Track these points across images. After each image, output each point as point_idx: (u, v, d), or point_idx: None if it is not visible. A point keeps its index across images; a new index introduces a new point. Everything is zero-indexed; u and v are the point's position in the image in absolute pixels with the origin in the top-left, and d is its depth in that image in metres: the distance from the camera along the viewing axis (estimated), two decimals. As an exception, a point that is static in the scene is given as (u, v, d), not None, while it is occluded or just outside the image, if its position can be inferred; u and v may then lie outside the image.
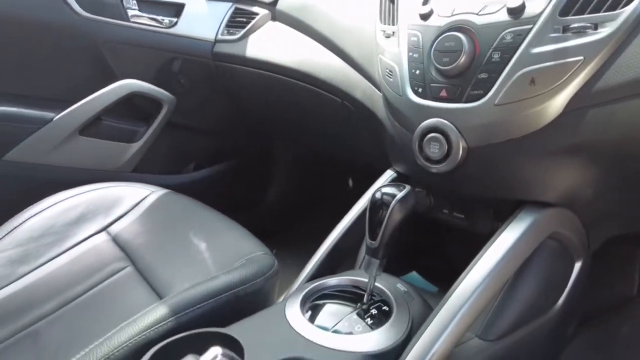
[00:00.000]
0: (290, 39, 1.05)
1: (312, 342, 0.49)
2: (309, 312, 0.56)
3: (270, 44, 1.09)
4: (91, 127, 1.09)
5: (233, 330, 0.50)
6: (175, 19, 1.17)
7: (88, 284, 0.71)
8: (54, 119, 1.04)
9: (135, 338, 0.53)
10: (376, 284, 0.59)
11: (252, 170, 1.42)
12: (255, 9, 1.17)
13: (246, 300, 0.61)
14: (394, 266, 0.76)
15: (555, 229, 0.61)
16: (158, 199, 0.88)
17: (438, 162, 0.62)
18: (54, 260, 0.76)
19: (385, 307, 0.57)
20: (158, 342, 0.48)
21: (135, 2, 1.14)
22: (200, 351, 0.40)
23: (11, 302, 0.69)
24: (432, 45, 0.61)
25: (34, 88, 1.09)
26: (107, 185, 0.91)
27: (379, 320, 0.55)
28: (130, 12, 1.13)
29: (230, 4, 1.21)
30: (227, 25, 1.18)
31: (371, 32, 0.78)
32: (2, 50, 1.05)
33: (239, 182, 1.39)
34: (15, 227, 0.81)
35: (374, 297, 0.59)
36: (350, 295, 0.60)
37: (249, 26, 1.14)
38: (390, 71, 0.69)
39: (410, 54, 0.66)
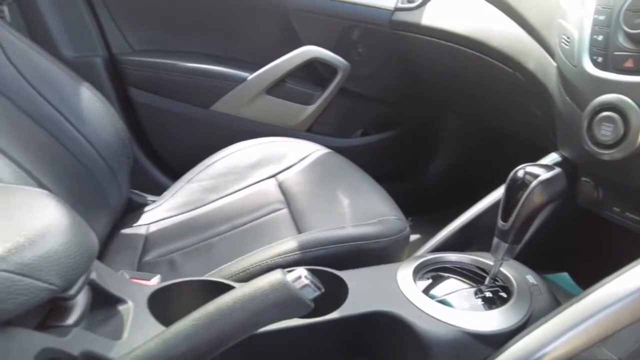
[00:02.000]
0: (467, 5, 1.00)
1: (412, 303, 0.49)
2: (423, 281, 0.56)
3: (447, 11, 1.05)
4: (276, 87, 1.24)
5: (345, 274, 0.54)
6: (358, -11, 1.22)
7: (253, 216, 0.86)
8: (248, 79, 1.22)
9: (267, 261, 0.63)
10: (501, 269, 0.55)
11: (416, 141, 1.41)
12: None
13: (367, 255, 0.65)
14: (544, 261, 0.68)
15: None
16: (320, 157, 0.98)
17: (610, 147, 0.52)
18: (233, 194, 0.94)
19: (503, 294, 0.53)
20: (282, 268, 0.56)
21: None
22: None
23: (200, 220, 0.89)
24: (624, 3, 0.51)
25: (234, 51, 1.28)
26: (282, 139, 1.05)
27: (493, 304, 0.51)
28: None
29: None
30: (408, -7, 1.18)
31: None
32: (211, 19, 1.25)
33: (401, 151, 1.40)
34: (212, 163, 1.02)
35: (496, 282, 0.55)
36: (471, 275, 0.57)
37: (428, -7, 1.11)
38: (568, 37, 0.59)
39: (596, 16, 0.55)
